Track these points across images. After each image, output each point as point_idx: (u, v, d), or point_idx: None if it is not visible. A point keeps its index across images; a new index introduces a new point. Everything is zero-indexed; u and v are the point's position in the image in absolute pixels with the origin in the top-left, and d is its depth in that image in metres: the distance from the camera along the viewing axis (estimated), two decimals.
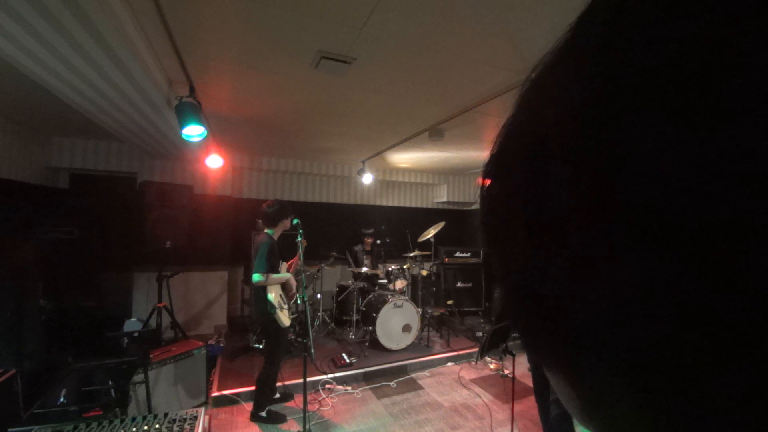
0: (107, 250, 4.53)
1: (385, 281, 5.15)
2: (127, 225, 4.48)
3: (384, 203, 7.07)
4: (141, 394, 2.64)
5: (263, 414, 3.09)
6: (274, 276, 2.90)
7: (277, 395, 3.38)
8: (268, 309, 2.88)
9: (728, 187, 0.11)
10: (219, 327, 5.17)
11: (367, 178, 5.42)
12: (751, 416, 0.12)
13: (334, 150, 5.06)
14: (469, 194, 7.38)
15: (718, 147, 0.12)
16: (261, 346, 4.35)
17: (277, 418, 3.12)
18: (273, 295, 2.93)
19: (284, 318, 2.97)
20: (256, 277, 2.81)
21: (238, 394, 3.43)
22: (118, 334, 3.51)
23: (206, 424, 1.82)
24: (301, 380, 2.60)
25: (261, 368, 3.05)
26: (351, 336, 4.81)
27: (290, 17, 1.83)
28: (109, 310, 4.47)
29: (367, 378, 3.95)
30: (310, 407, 3.13)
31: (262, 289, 2.92)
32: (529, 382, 3.99)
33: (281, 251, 3.10)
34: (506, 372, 4.10)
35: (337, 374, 3.85)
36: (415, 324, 4.57)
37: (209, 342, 4.16)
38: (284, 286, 3.14)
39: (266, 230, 3.05)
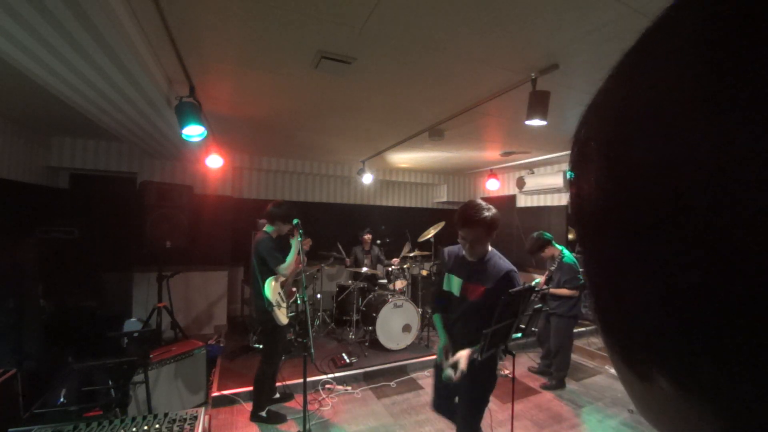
0: (107, 250, 4.53)
1: (385, 281, 5.14)
2: (127, 225, 4.48)
3: (384, 203, 7.07)
4: (141, 394, 2.64)
5: (263, 414, 3.09)
6: (290, 264, 2.94)
7: (277, 395, 3.38)
8: (266, 306, 2.90)
9: None
10: (219, 327, 5.17)
11: (367, 178, 5.43)
12: None
13: (334, 150, 5.06)
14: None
15: None
16: (261, 346, 4.35)
17: (277, 418, 3.11)
18: (270, 293, 2.94)
19: (281, 316, 2.98)
20: (281, 269, 2.91)
21: (238, 394, 3.43)
22: (118, 334, 3.51)
23: (206, 424, 1.82)
24: (301, 380, 2.60)
25: (258, 367, 3.05)
26: (351, 336, 4.81)
27: (290, 17, 1.83)
28: (109, 310, 4.47)
29: (367, 378, 3.95)
30: (310, 407, 3.13)
31: (259, 286, 2.95)
32: (529, 382, 3.99)
33: (283, 252, 3.11)
34: (506, 372, 4.10)
35: (337, 374, 3.85)
36: (415, 324, 4.57)
37: (209, 342, 4.16)
38: (282, 285, 3.15)
39: (265, 228, 3.06)
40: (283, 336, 3.15)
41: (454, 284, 2.01)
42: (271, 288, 2.96)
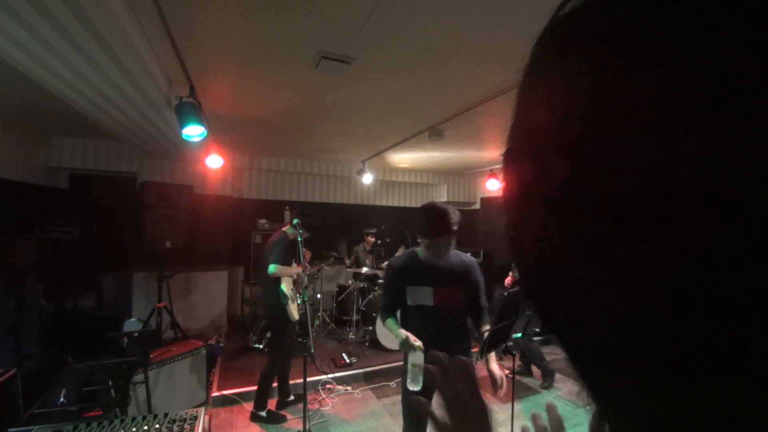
0: (107, 250, 4.53)
1: None
2: (127, 225, 4.48)
3: (384, 203, 7.07)
4: (141, 394, 2.64)
5: (263, 414, 3.09)
6: (288, 268, 3.00)
7: (292, 397, 3.38)
8: (281, 300, 2.94)
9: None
10: (219, 327, 5.17)
11: (367, 178, 5.42)
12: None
13: (334, 150, 5.06)
14: (469, 194, 7.38)
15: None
16: (261, 346, 4.35)
17: (277, 419, 3.11)
18: (286, 287, 3.00)
19: (294, 311, 3.04)
20: (272, 268, 2.92)
21: (238, 394, 3.43)
22: (118, 334, 3.51)
23: (206, 424, 1.82)
24: (301, 380, 2.60)
25: (265, 366, 3.07)
26: (351, 336, 4.81)
27: (290, 17, 1.83)
28: (109, 310, 4.47)
29: (367, 378, 3.95)
30: (310, 407, 3.13)
31: (275, 281, 2.98)
32: (529, 382, 3.99)
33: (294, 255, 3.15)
34: (506, 372, 4.10)
35: (337, 374, 3.85)
36: None
37: (209, 342, 4.16)
38: (295, 282, 3.18)
39: (285, 228, 3.12)
40: (293, 333, 3.15)
41: (421, 295, 1.86)
42: (286, 282, 3.03)
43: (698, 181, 0.12)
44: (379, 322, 4.31)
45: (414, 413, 1.91)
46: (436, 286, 1.84)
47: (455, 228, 1.72)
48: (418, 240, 1.87)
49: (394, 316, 1.95)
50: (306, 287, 3.00)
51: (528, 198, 0.21)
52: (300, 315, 4.32)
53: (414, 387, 1.59)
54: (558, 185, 0.17)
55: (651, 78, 0.14)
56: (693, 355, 0.13)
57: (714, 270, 0.12)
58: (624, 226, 0.14)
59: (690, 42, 0.13)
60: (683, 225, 0.13)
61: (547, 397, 3.70)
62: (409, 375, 1.61)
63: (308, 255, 3.80)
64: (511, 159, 0.22)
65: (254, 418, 3.11)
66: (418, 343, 1.64)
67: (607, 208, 0.15)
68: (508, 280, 4.11)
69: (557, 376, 3.97)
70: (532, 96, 0.21)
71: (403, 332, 1.72)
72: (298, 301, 3.09)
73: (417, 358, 1.60)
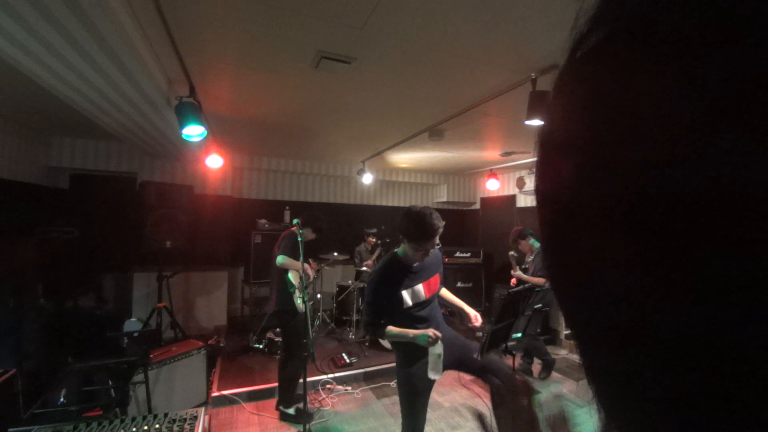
0: (107, 250, 4.52)
1: None
2: (127, 225, 4.48)
3: (384, 203, 7.07)
4: (141, 394, 2.64)
5: (291, 411, 3.09)
6: (295, 261, 3.06)
7: None
8: (288, 288, 3.02)
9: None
10: (219, 327, 5.17)
11: (367, 178, 5.42)
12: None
13: (334, 150, 5.06)
14: (469, 194, 7.38)
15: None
16: (261, 346, 4.35)
17: (305, 416, 2.87)
18: (293, 277, 3.08)
19: (300, 304, 3.07)
20: (280, 259, 3.03)
21: (238, 394, 3.43)
22: (118, 334, 3.51)
23: (206, 424, 1.82)
24: (301, 380, 2.60)
25: (285, 365, 3.09)
26: (351, 336, 4.80)
27: (290, 17, 1.83)
28: (109, 310, 4.47)
29: (367, 378, 3.95)
30: (310, 407, 3.13)
31: (283, 273, 3.06)
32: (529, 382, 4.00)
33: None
34: None
35: (337, 374, 3.85)
36: None
37: (209, 342, 4.16)
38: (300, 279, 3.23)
39: (293, 229, 3.15)
40: (302, 327, 3.14)
41: (417, 293, 2.01)
42: (293, 274, 3.12)
43: (713, 180, 0.12)
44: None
45: (414, 413, 1.93)
46: (424, 280, 2.04)
47: (441, 229, 1.90)
48: (401, 243, 2.03)
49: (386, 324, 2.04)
50: (307, 287, 3.03)
51: (544, 199, 0.21)
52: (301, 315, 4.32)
53: (435, 376, 1.77)
54: (573, 186, 0.17)
55: (663, 77, 0.14)
56: (703, 356, 0.13)
57: (730, 269, 0.12)
58: (639, 226, 0.14)
59: (696, 42, 0.13)
60: (699, 224, 0.13)
61: (547, 396, 3.70)
62: (431, 365, 1.78)
63: (314, 265, 3.87)
64: (538, 161, 0.23)
65: (283, 416, 3.11)
66: (437, 334, 1.81)
67: (618, 208, 0.15)
68: (512, 281, 4.17)
69: (557, 375, 3.98)
70: (556, 99, 0.21)
71: (420, 331, 1.85)
72: (299, 301, 3.11)
73: (438, 347, 1.77)
